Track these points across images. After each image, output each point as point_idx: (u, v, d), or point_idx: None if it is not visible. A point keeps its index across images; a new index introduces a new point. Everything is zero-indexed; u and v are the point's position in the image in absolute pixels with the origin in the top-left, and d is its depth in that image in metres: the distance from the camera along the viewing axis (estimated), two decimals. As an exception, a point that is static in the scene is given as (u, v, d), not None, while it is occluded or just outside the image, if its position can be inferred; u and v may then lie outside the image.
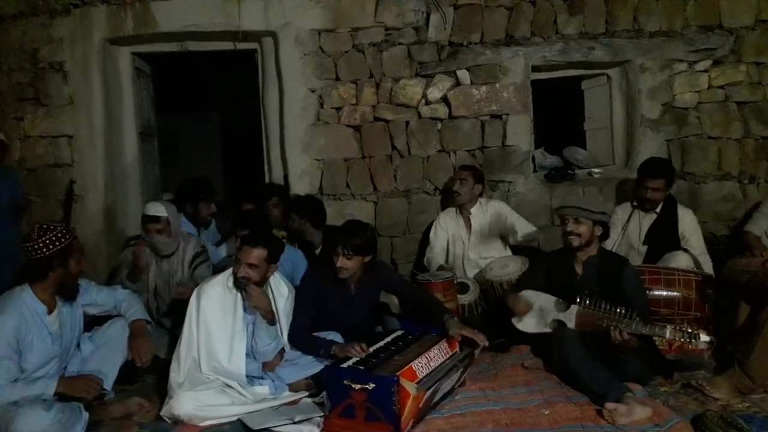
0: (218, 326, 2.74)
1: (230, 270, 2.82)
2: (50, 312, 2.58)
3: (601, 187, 4.46)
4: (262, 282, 2.79)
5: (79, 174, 4.25)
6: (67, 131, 4.25)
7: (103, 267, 4.17)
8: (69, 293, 2.63)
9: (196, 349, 2.71)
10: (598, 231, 2.96)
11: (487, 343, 2.78)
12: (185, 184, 4.03)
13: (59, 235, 2.50)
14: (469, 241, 3.98)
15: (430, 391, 2.43)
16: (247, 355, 2.77)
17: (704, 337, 2.52)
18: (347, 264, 2.87)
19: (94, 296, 2.83)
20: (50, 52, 4.21)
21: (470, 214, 3.99)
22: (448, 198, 4.29)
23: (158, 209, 3.37)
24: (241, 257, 2.73)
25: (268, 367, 2.82)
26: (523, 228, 3.89)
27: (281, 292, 2.95)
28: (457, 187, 3.93)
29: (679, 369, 2.86)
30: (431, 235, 4.07)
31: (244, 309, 2.79)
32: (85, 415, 2.45)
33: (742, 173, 4.47)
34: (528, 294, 3.07)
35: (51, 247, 2.47)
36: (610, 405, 2.38)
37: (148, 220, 3.35)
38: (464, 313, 3.57)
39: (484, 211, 3.99)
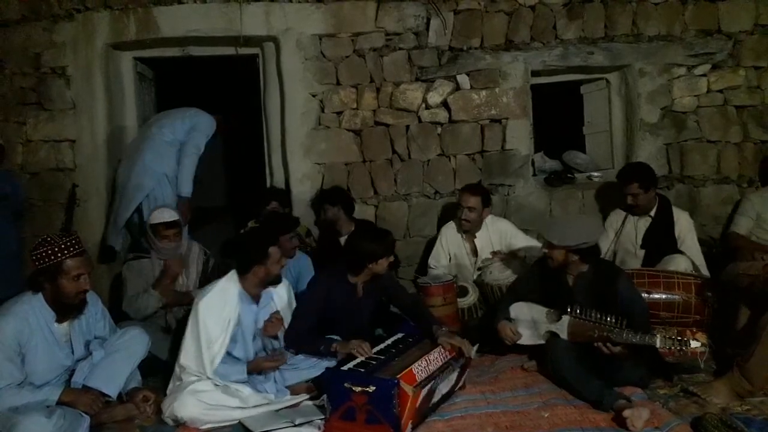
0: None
1: (232, 275, 2.85)
2: (60, 320, 2.55)
3: (600, 191, 4.47)
4: None
5: (82, 178, 4.24)
6: (69, 135, 4.25)
7: (103, 272, 4.18)
8: (65, 310, 2.55)
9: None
10: (573, 258, 2.85)
11: (472, 355, 2.79)
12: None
13: (50, 251, 2.40)
14: (475, 264, 3.84)
15: (426, 389, 2.44)
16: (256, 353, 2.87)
17: (694, 344, 2.52)
18: (385, 265, 2.95)
19: (101, 331, 2.76)
20: (53, 56, 4.21)
21: (475, 237, 3.85)
22: (451, 204, 4.29)
23: (171, 214, 3.37)
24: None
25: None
26: (527, 244, 3.77)
27: (280, 295, 2.99)
28: (465, 216, 3.73)
29: (679, 372, 2.86)
30: (436, 249, 3.93)
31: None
32: (87, 419, 2.44)
33: (741, 177, 4.48)
34: (520, 306, 3.04)
35: (37, 264, 2.43)
36: (626, 412, 2.34)
37: (167, 226, 3.32)
38: (464, 316, 3.57)
39: (489, 233, 3.83)
